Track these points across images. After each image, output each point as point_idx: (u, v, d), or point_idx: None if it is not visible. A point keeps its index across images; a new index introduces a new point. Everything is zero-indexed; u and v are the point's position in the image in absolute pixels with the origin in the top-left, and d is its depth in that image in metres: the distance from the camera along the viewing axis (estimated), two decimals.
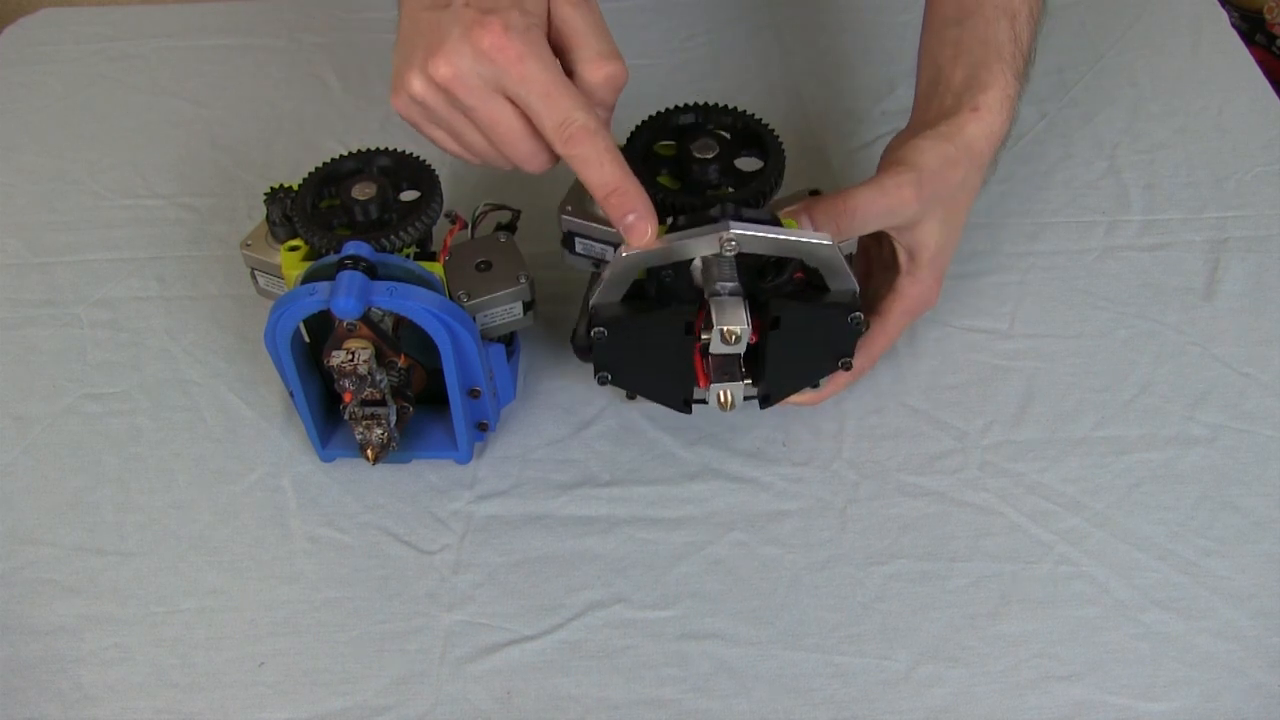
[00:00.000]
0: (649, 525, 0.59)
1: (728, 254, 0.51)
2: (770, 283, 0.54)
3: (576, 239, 0.59)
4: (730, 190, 0.56)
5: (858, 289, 0.55)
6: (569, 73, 0.51)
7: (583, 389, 0.65)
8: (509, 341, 0.61)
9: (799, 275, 0.55)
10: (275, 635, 0.56)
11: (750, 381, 0.58)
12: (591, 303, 0.54)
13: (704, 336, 0.54)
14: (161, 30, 0.91)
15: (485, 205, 0.62)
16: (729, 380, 0.56)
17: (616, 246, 0.53)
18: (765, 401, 0.59)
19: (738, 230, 0.51)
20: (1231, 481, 0.59)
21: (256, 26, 0.91)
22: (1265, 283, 0.68)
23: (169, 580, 0.58)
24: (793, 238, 0.52)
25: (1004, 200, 0.74)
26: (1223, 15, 0.86)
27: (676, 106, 0.58)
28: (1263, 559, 0.56)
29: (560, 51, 0.51)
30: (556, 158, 0.51)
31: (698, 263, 0.54)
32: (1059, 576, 0.56)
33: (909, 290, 0.60)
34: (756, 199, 0.55)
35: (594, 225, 0.58)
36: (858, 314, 0.55)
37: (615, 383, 0.57)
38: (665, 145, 0.59)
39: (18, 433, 0.65)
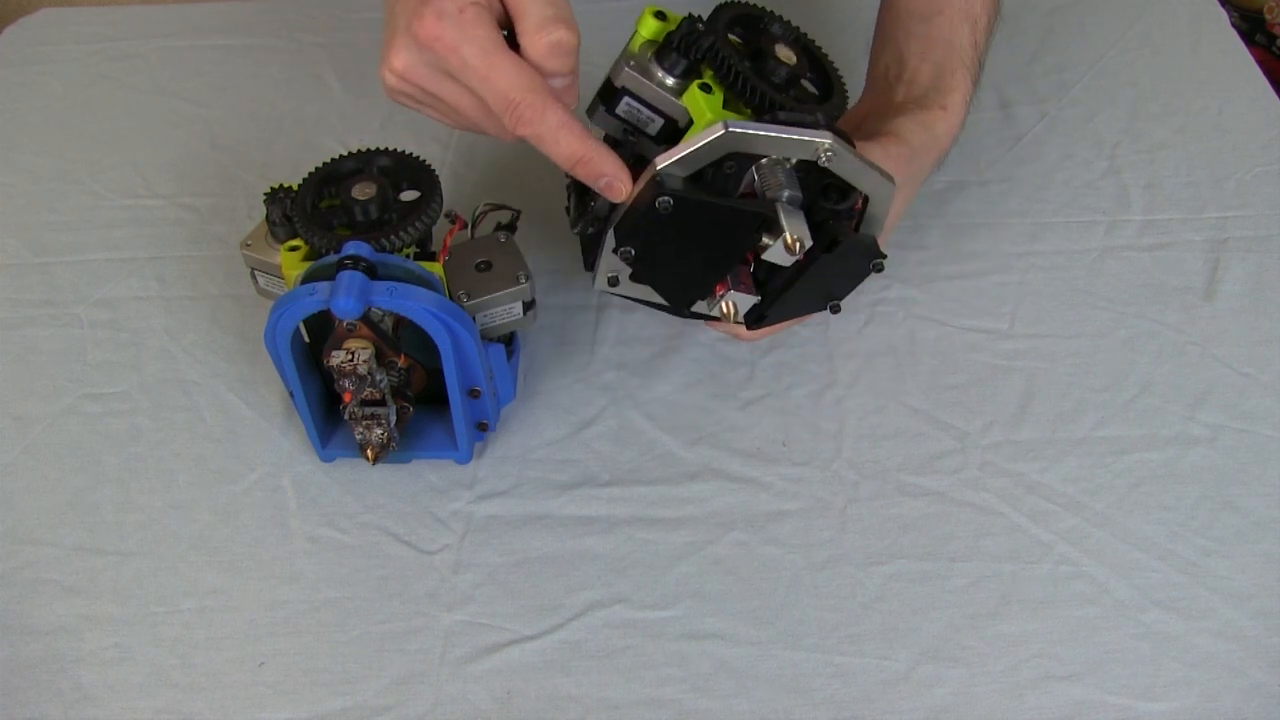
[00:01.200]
0: (649, 525, 0.59)
1: (823, 162, 0.51)
2: (833, 205, 0.54)
3: (626, 98, 0.55)
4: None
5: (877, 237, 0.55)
6: (518, 37, 0.50)
7: (582, 389, 0.65)
8: (509, 341, 0.61)
9: (858, 207, 0.55)
10: (275, 635, 0.56)
11: (759, 298, 0.56)
12: (660, 166, 0.51)
13: (765, 240, 0.52)
14: (161, 30, 0.91)
15: (485, 205, 0.62)
16: (744, 291, 0.54)
17: (675, 123, 0.53)
18: (758, 321, 0.57)
19: (837, 144, 0.51)
20: (1231, 481, 0.59)
21: (256, 26, 0.91)
22: (1265, 283, 0.68)
23: (169, 580, 0.58)
24: (876, 171, 0.52)
25: (1004, 200, 0.74)
26: (1223, 15, 0.86)
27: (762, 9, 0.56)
28: (1263, 559, 0.56)
29: (511, 17, 0.50)
30: None
31: (752, 173, 0.52)
32: (1059, 576, 0.56)
33: None
34: (831, 118, 0.54)
35: (658, 90, 0.54)
36: (880, 260, 0.55)
37: (633, 262, 0.54)
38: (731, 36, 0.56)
39: (18, 433, 0.65)
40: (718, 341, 0.67)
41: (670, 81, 0.54)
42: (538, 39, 0.49)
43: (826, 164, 0.51)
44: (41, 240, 0.75)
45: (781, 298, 0.56)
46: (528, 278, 0.59)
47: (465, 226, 0.61)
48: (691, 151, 0.50)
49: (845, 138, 0.53)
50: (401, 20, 0.49)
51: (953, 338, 0.67)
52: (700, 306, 0.57)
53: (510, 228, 0.62)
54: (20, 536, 0.60)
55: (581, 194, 0.58)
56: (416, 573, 0.58)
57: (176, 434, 0.64)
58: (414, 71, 0.50)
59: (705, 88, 0.53)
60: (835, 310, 0.57)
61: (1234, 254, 0.70)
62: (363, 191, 0.57)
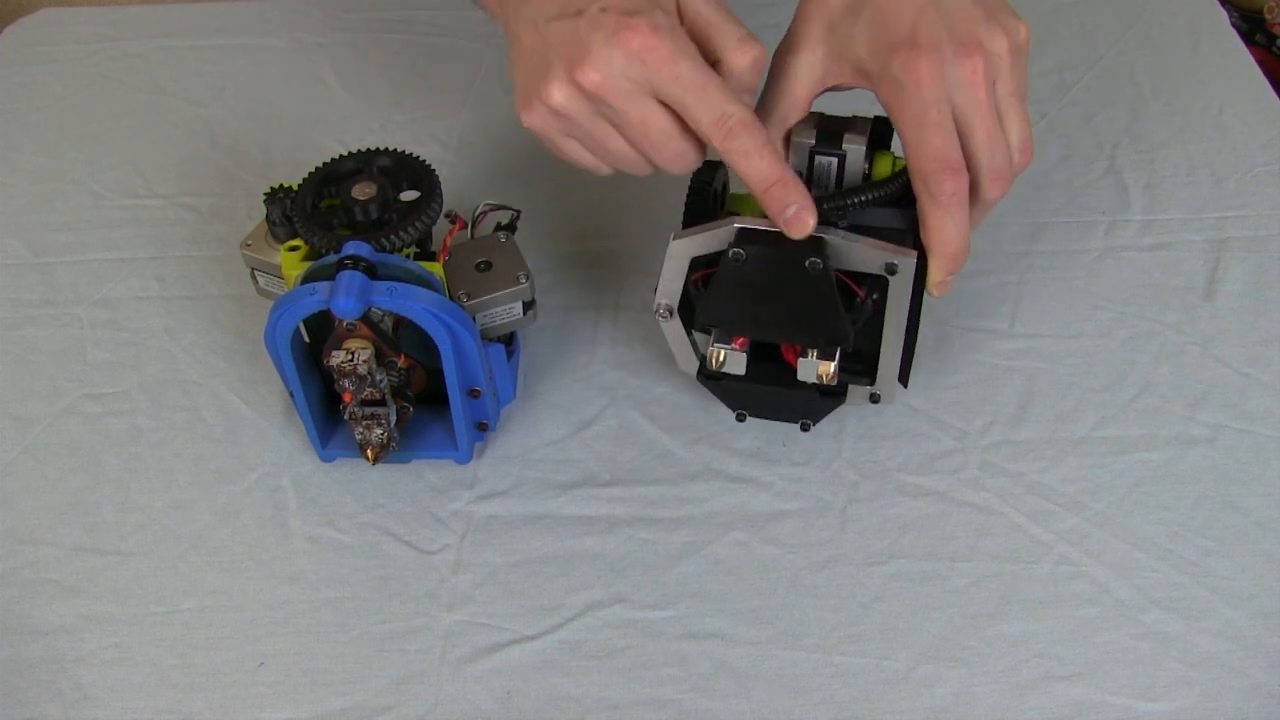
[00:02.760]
0: (649, 525, 0.59)
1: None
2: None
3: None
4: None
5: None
6: (712, 64, 0.50)
7: (582, 389, 0.65)
8: (509, 341, 0.61)
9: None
10: (275, 635, 0.56)
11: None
12: (735, 227, 0.53)
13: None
14: (161, 30, 0.91)
15: (485, 205, 0.62)
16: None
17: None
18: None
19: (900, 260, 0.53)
20: (1231, 481, 0.59)
21: (256, 26, 0.91)
22: (1265, 283, 0.68)
23: (169, 580, 0.58)
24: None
25: (1004, 200, 0.74)
26: (1223, 15, 0.86)
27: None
28: (1263, 559, 0.56)
29: (698, 44, 0.50)
30: (703, 155, 0.51)
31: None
32: (1059, 576, 0.56)
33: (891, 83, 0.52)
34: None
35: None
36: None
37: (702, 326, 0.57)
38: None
39: (18, 433, 0.65)
40: None
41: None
42: (741, 55, 0.50)
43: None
44: (41, 240, 0.75)
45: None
46: (528, 278, 0.59)
47: (465, 226, 0.61)
48: (703, 238, 0.54)
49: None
50: (598, 34, 0.48)
51: (952, 338, 0.66)
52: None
53: (510, 228, 0.62)
54: (20, 536, 0.60)
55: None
56: (416, 573, 0.58)
57: (176, 434, 0.64)
58: (611, 86, 0.48)
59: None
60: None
61: (1234, 254, 0.70)
62: (363, 191, 0.57)
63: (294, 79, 0.86)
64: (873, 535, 0.58)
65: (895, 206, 0.55)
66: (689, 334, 0.59)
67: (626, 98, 0.49)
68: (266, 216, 0.59)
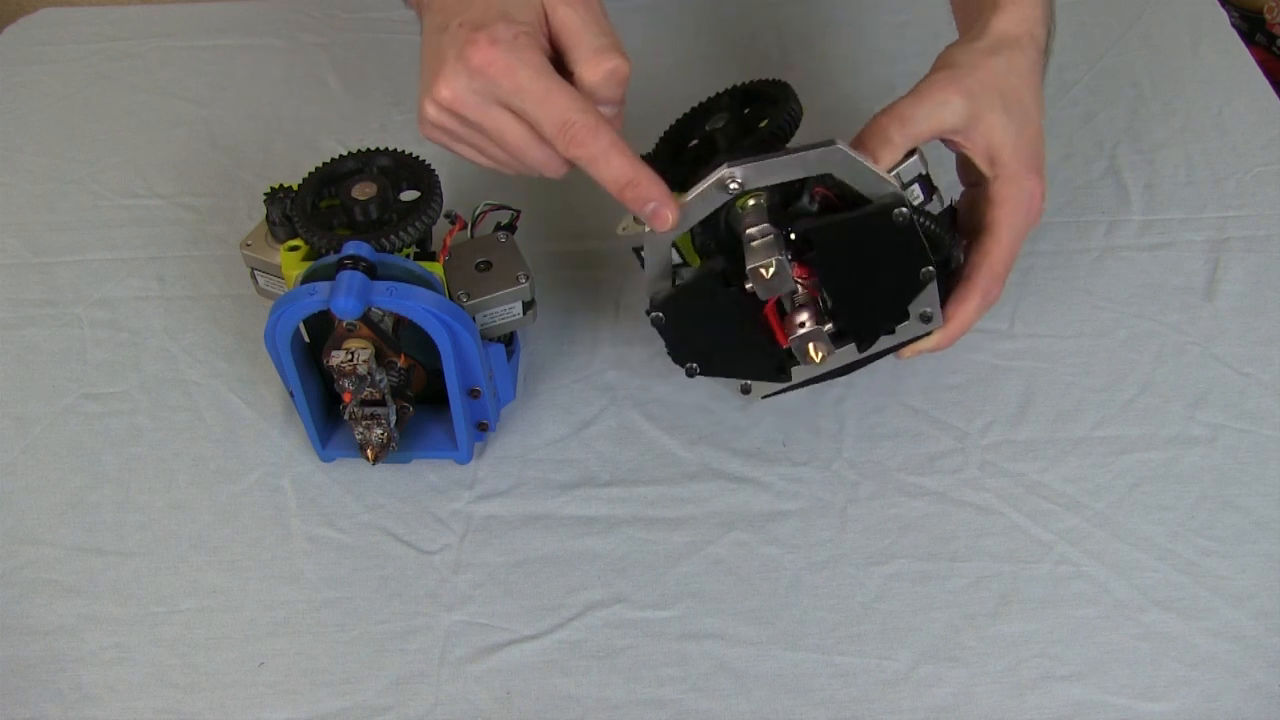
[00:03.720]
0: (649, 525, 0.59)
1: (733, 193, 0.51)
2: (794, 209, 0.53)
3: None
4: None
5: (899, 189, 0.53)
6: (570, 73, 0.50)
7: (582, 389, 0.65)
8: (509, 341, 0.61)
9: (820, 191, 0.53)
10: (275, 635, 0.56)
11: (831, 325, 0.55)
12: (646, 294, 0.54)
13: (747, 286, 0.52)
14: (161, 30, 0.91)
15: (485, 205, 0.62)
16: (814, 324, 0.54)
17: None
18: (861, 343, 0.57)
19: (733, 168, 0.50)
20: (1231, 481, 0.59)
21: (256, 26, 0.91)
22: (1265, 283, 0.68)
23: (169, 580, 0.58)
24: (791, 155, 0.50)
25: None
26: (1223, 15, 0.86)
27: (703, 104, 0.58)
28: (1263, 559, 0.56)
29: (561, 52, 0.51)
30: (569, 161, 0.51)
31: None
32: (1059, 576, 0.56)
33: (1005, 193, 0.56)
34: (759, 146, 0.53)
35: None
36: (902, 209, 0.51)
37: (705, 372, 0.57)
38: (691, 148, 0.59)
39: (18, 433, 0.65)
40: None
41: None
42: (593, 67, 0.50)
43: (737, 191, 0.51)
44: (41, 240, 0.75)
45: (842, 311, 0.55)
46: (528, 278, 0.59)
47: (465, 226, 0.61)
48: (650, 272, 0.55)
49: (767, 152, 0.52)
50: (450, 50, 0.49)
51: None
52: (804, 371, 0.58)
53: (510, 228, 0.62)
54: (20, 536, 0.60)
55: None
56: (416, 573, 0.58)
57: (176, 434, 0.64)
58: (462, 100, 0.50)
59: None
60: (926, 318, 0.56)
61: (1234, 254, 0.70)
62: (363, 191, 0.57)
63: (294, 79, 0.86)
64: (873, 535, 0.58)
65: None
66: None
67: (477, 110, 0.50)
68: (266, 216, 0.59)
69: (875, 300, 0.55)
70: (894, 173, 0.55)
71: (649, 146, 0.60)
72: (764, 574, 0.57)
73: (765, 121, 0.56)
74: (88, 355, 0.68)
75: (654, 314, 0.55)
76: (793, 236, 0.53)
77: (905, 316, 0.56)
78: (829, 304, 0.55)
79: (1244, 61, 0.83)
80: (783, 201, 0.53)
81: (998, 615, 0.55)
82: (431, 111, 0.51)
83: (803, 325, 0.54)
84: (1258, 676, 0.52)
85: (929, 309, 0.55)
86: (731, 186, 0.51)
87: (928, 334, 0.57)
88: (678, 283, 0.55)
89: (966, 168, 0.58)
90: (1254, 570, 0.56)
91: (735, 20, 0.88)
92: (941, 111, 0.55)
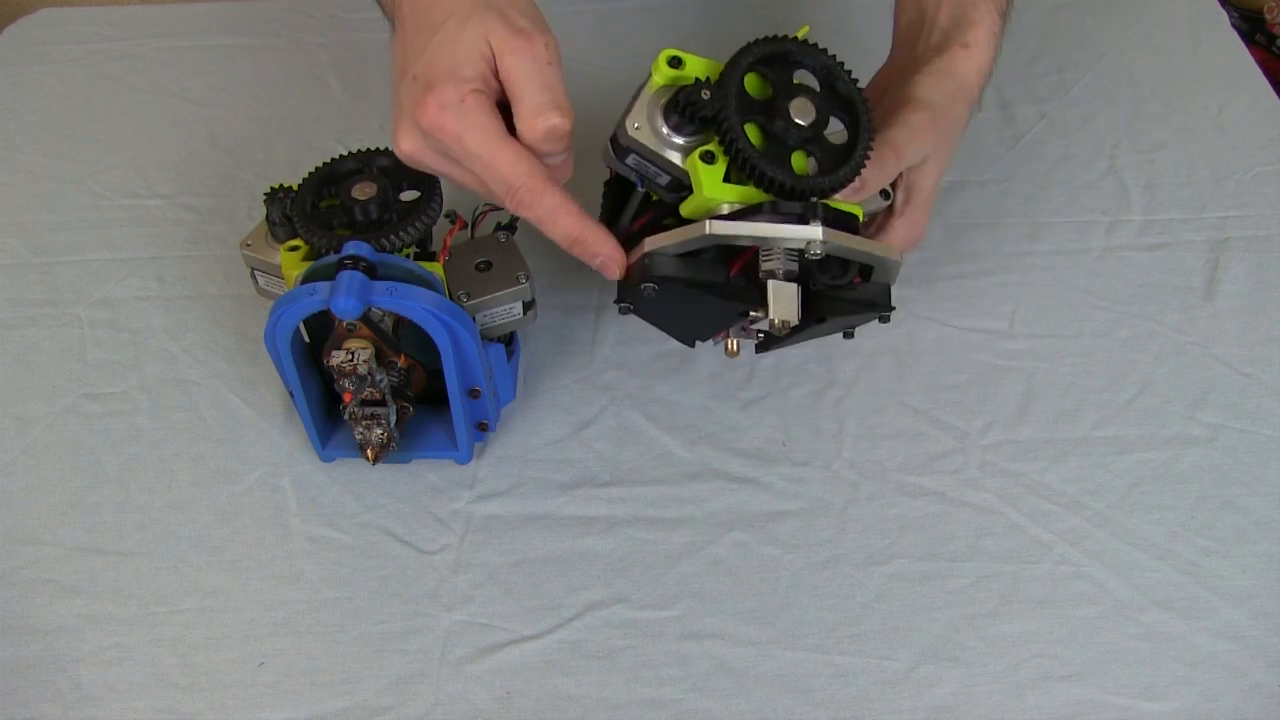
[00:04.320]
0: (649, 525, 0.59)
1: (811, 256, 0.51)
2: (830, 279, 0.54)
3: (633, 154, 0.55)
4: (814, 158, 0.53)
5: (891, 284, 0.55)
6: (516, 121, 0.51)
7: (582, 389, 0.65)
8: (509, 341, 0.61)
9: (857, 280, 0.55)
10: (275, 635, 0.56)
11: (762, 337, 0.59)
12: (648, 250, 0.53)
13: (753, 314, 0.54)
14: (161, 30, 0.91)
15: (485, 205, 0.62)
16: (744, 337, 0.57)
17: (673, 184, 0.53)
18: (762, 348, 0.60)
19: (826, 237, 0.51)
20: (1231, 481, 0.59)
21: (256, 26, 0.91)
22: (1265, 283, 0.68)
23: (169, 580, 0.58)
24: (873, 251, 0.53)
25: (1004, 200, 0.74)
26: (1223, 15, 0.86)
27: (773, 36, 0.55)
28: (1263, 559, 0.56)
29: (509, 101, 0.52)
30: None
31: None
32: (1059, 576, 0.56)
33: (901, 232, 0.58)
34: (838, 185, 0.53)
35: (661, 153, 0.54)
36: (888, 313, 0.55)
37: (637, 313, 0.57)
38: (755, 75, 0.55)
39: (18, 433, 0.65)
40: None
41: (678, 140, 0.54)
42: (533, 124, 0.51)
43: (815, 255, 0.51)
44: (41, 240, 0.75)
45: (786, 343, 0.58)
46: (528, 278, 0.59)
47: (465, 226, 0.61)
48: (676, 243, 0.52)
49: (845, 223, 0.52)
50: (406, 104, 0.51)
51: (953, 338, 0.66)
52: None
53: (510, 228, 0.62)
54: (20, 536, 0.60)
55: (614, 204, 0.59)
56: (416, 573, 0.58)
57: (176, 434, 0.64)
58: (421, 154, 0.52)
59: (708, 156, 0.52)
60: (849, 336, 0.60)
61: (1234, 254, 0.70)
62: (363, 191, 0.57)
63: (294, 79, 0.86)
64: (873, 535, 0.58)
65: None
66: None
67: (436, 162, 0.53)
68: (266, 216, 0.59)
69: (817, 334, 0.58)
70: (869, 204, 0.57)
71: None
72: (764, 574, 0.57)
73: (845, 160, 0.54)
74: (88, 355, 0.68)
75: (648, 285, 0.53)
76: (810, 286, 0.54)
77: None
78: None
79: (1244, 61, 0.83)
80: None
81: (998, 615, 0.55)
82: (400, 155, 0.53)
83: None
84: (1258, 676, 0.52)
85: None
86: (810, 248, 0.51)
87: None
88: (690, 275, 0.53)
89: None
90: (1254, 570, 0.56)
91: (734, 20, 0.88)
92: (921, 152, 0.56)
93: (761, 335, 0.59)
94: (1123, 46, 0.84)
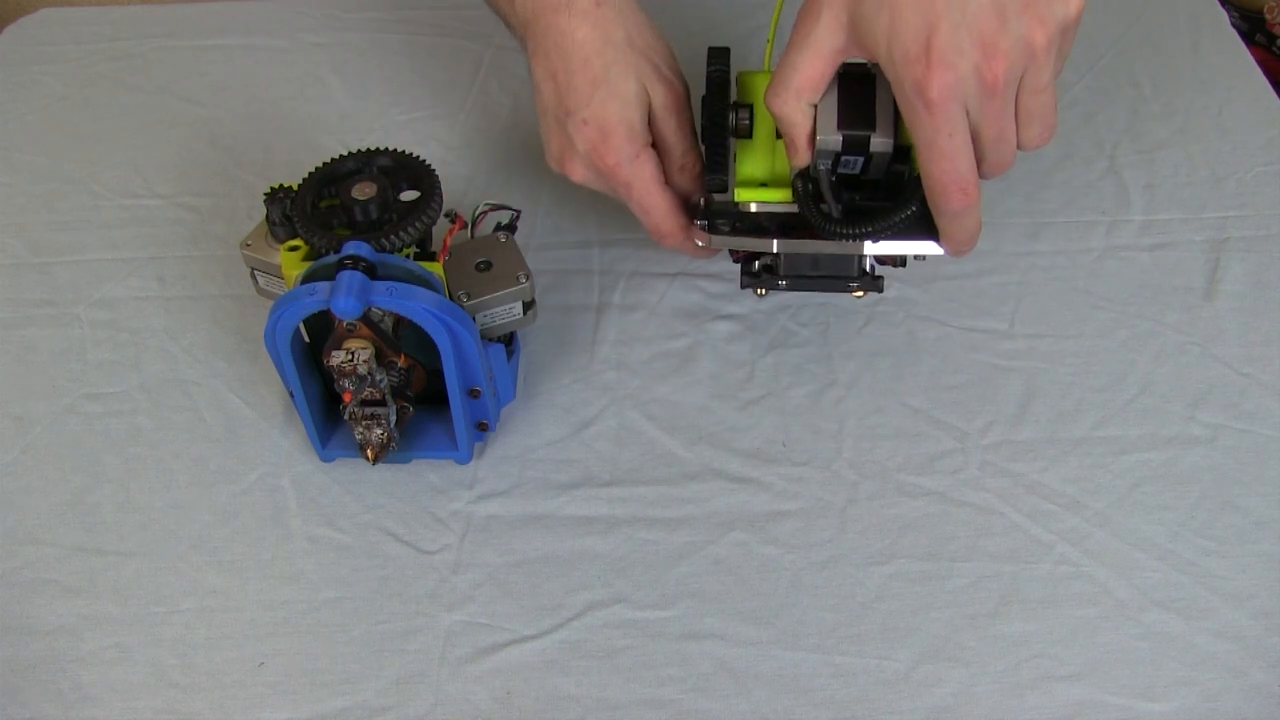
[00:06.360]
0: (649, 525, 0.59)
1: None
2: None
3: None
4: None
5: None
6: (664, 165, 0.62)
7: (582, 389, 0.65)
8: (509, 341, 0.61)
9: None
10: (275, 635, 0.56)
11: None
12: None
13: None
14: (161, 30, 0.91)
15: (485, 205, 0.62)
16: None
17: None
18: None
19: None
20: (1231, 481, 0.59)
21: (256, 26, 0.91)
22: (1265, 283, 0.68)
23: (169, 580, 0.58)
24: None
25: (1004, 200, 0.74)
26: (1223, 15, 0.86)
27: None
28: (1263, 559, 0.56)
29: (657, 145, 0.62)
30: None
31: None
32: (1059, 576, 0.56)
33: (899, 98, 0.51)
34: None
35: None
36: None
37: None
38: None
39: (18, 433, 0.65)
40: (719, 342, 0.67)
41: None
42: (682, 175, 0.63)
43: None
44: (41, 240, 0.75)
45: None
46: (528, 278, 0.59)
47: (465, 226, 0.61)
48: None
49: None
50: (580, 145, 0.60)
51: (953, 338, 0.67)
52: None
53: (510, 228, 0.62)
54: (20, 536, 0.60)
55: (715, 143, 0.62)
56: (416, 573, 0.58)
57: (176, 434, 0.64)
58: (590, 183, 0.63)
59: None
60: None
61: (1234, 254, 0.70)
62: (363, 191, 0.57)
63: (294, 79, 0.86)
64: (873, 535, 0.58)
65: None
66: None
67: (601, 186, 0.63)
68: (266, 216, 0.59)
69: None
70: (817, 160, 0.55)
71: None
72: (764, 574, 0.57)
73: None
74: (88, 355, 0.68)
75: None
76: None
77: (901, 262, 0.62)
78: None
79: (1244, 61, 0.83)
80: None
81: (998, 615, 0.55)
82: (569, 175, 0.63)
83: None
84: (1258, 676, 0.52)
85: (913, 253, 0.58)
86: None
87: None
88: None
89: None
90: (1254, 570, 0.56)
91: (733, 20, 0.88)
92: (821, 43, 0.51)
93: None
94: (1123, 46, 0.84)
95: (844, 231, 0.55)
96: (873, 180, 0.57)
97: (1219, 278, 0.68)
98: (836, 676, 0.53)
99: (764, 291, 0.64)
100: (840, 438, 0.62)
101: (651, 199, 0.61)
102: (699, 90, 0.63)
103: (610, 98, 0.59)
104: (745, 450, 0.62)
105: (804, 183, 0.56)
